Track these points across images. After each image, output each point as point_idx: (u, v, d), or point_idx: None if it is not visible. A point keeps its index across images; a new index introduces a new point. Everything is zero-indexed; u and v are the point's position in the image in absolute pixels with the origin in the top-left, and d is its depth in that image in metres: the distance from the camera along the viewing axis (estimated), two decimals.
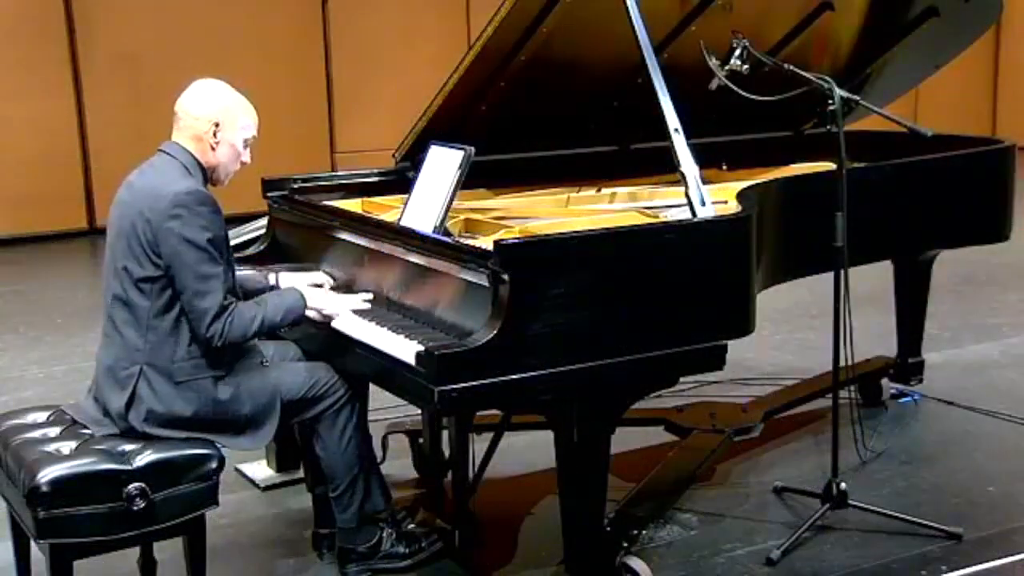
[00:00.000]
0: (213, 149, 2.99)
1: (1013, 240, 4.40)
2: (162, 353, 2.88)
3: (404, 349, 2.78)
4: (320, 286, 3.31)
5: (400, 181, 3.77)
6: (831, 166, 3.60)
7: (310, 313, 3.08)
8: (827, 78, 3.42)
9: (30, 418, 3.06)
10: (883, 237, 4.04)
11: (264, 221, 3.90)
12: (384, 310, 3.16)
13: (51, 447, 2.84)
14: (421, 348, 2.71)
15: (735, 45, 3.53)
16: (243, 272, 3.28)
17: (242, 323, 2.90)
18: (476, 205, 3.69)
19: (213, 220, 2.87)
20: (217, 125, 2.97)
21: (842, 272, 3.39)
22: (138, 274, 2.87)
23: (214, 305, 2.85)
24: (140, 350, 2.89)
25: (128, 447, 2.83)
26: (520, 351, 2.68)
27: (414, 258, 3.08)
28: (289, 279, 3.33)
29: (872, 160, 4.14)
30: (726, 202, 3.37)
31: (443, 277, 2.97)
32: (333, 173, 4.02)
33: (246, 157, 3.07)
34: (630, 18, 3.17)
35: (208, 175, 3.02)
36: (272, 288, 3.27)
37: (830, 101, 3.36)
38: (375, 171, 3.90)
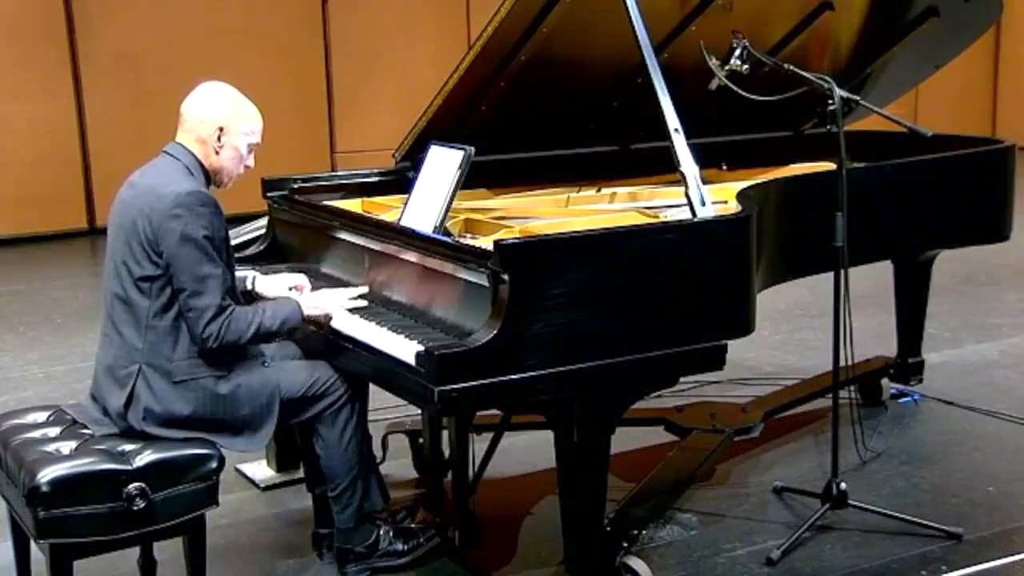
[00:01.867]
0: (217, 153, 2.99)
1: (1013, 240, 4.40)
2: (161, 352, 2.88)
3: (404, 349, 2.78)
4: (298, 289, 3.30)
5: (400, 181, 3.77)
6: (831, 166, 3.60)
7: (308, 315, 3.08)
8: (827, 78, 3.42)
9: (30, 418, 3.06)
10: (883, 237, 4.03)
11: (264, 221, 3.90)
12: (384, 310, 3.16)
13: (51, 447, 2.84)
14: (421, 348, 2.71)
15: (735, 45, 3.53)
16: None
17: (238, 327, 2.90)
18: (476, 205, 3.69)
19: (213, 221, 2.87)
20: (222, 129, 2.97)
21: (842, 272, 3.39)
22: (138, 273, 2.87)
23: (211, 305, 2.85)
24: (139, 349, 2.89)
25: (128, 447, 2.84)
26: (520, 351, 2.68)
27: (414, 258, 3.08)
28: (264, 282, 3.33)
29: (872, 160, 4.14)
30: (726, 202, 3.38)
31: (443, 277, 2.97)
32: (333, 173, 4.02)
33: (250, 162, 3.07)
34: (630, 18, 3.17)
35: (210, 177, 3.02)
36: (248, 291, 3.27)
37: (830, 101, 3.36)
38: (375, 171, 3.90)
